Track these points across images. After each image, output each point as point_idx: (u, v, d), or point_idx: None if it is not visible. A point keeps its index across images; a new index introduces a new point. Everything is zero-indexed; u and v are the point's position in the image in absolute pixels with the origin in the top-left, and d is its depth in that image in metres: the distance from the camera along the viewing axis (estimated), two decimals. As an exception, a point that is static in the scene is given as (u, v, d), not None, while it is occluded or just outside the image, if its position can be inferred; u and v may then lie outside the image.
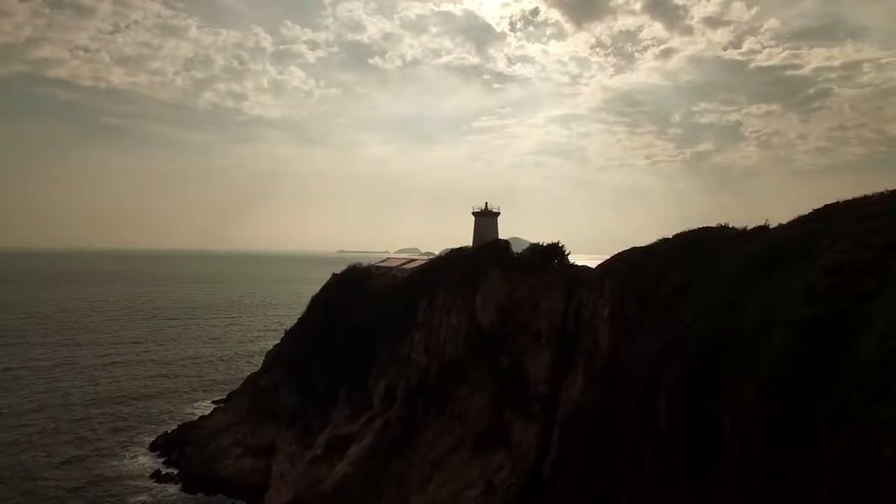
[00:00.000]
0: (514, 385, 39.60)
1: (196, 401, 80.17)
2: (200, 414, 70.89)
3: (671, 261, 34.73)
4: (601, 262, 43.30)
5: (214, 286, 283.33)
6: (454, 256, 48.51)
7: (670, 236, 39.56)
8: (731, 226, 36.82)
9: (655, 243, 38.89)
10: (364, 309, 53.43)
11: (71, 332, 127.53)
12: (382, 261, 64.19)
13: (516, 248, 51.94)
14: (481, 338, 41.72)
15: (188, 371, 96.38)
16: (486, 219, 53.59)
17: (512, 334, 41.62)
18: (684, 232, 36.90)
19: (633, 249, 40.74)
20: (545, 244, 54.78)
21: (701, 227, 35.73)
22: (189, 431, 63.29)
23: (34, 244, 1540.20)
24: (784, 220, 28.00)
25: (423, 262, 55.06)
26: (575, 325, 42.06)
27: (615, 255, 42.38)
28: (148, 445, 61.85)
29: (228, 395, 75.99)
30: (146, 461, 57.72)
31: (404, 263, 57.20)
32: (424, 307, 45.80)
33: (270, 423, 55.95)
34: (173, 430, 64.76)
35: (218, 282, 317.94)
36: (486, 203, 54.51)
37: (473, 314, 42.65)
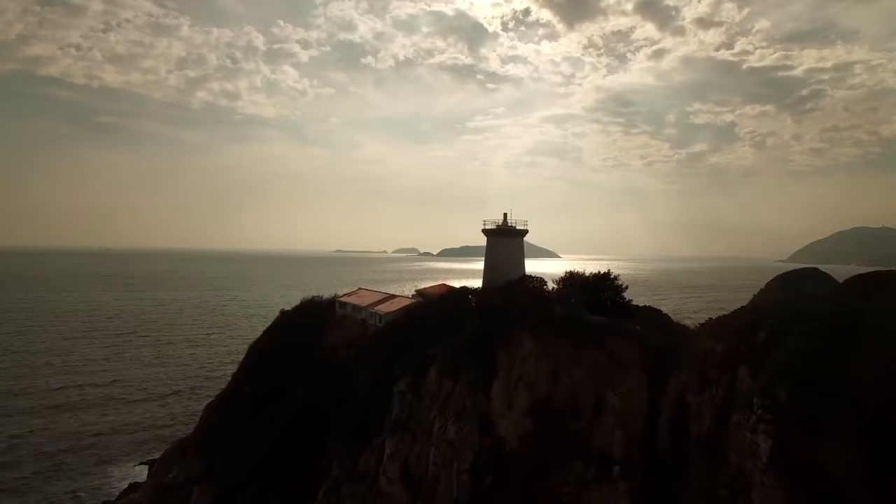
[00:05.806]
0: (566, 569, 20.82)
1: (121, 462, 61.35)
2: (109, 493, 52.36)
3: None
4: (716, 318, 24.51)
5: (202, 291, 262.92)
6: (453, 307, 29.05)
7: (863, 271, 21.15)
8: None
9: (850, 284, 19.97)
10: (315, 375, 34.47)
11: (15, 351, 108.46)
12: (352, 292, 45.09)
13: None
14: (503, 466, 22.87)
15: (125, 418, 75.80)
16: (505, 241, 33.47)
17: (559, 458, 22.79)
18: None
19: (798, 303, 21.59)
20: (590, 274, 35.95)
21: None
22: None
23: (30, 243, 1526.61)
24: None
25: (407, 303, 35.58)
26: (673, 442, 23.21)
27: (745, 308, 23.60)
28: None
29: (151, 463, 57.13)
30: None
31: (381, 301, 37.92)
32: (402, 392, 26.87)
33: (175, 543, 37.11)
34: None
35: (206, 285, 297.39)
36: (506, 215, 34.67)
37: (488, 420, 23.68)
